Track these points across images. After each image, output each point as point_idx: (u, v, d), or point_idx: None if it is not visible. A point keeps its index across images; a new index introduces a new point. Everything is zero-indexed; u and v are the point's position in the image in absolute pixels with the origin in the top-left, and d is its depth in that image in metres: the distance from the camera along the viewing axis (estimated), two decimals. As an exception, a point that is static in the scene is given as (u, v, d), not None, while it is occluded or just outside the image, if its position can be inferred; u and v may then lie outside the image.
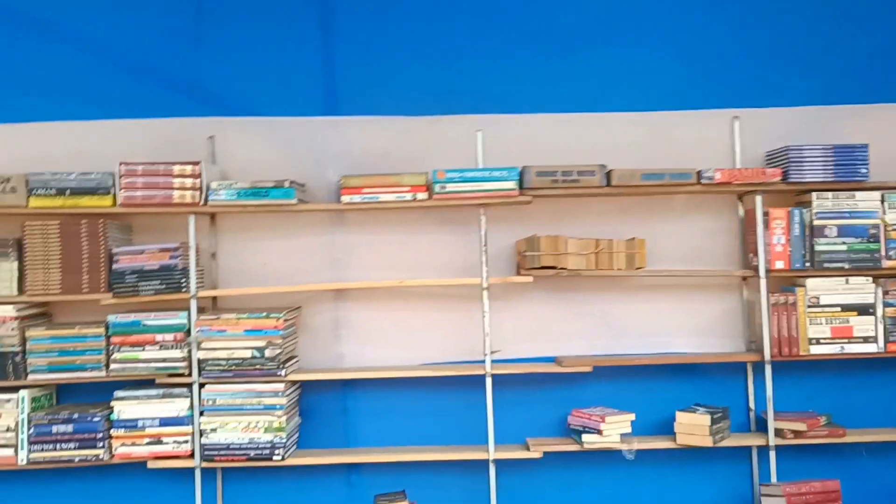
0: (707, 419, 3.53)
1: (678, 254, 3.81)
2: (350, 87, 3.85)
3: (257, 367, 3.54)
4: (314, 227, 3.83)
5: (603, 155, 3.72)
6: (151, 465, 3.56)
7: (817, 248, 3.63)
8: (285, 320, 3.56)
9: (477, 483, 3.71)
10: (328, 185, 3.80)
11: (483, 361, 3.72)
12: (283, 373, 3.53)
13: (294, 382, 3.68)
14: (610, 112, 3.83)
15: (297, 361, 3.74)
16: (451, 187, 3.58)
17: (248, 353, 3.54)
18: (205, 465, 3.56)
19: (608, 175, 3.60)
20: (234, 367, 3.54)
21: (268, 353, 3.54)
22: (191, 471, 3.60)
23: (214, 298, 3.75)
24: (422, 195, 3.58)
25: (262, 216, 3.77)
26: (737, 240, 3.84)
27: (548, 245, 3.61)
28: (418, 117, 3.82)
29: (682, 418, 3.60)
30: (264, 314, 3.55)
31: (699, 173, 3.60)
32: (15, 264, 3.59)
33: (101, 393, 3.69)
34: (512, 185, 3.58)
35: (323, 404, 3.77)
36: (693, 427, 3.56)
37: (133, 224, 3.81)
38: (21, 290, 3.60)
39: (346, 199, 3.56)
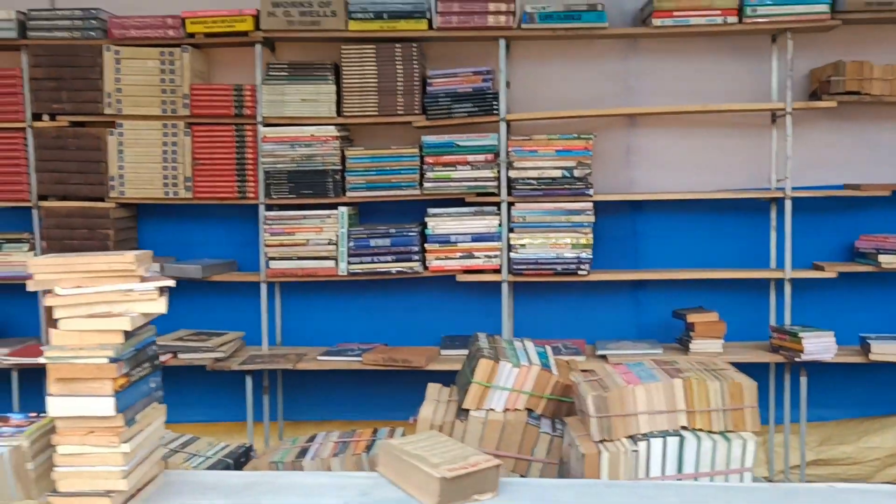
0: None
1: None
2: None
3: (566, 186, 3.71)
4: (607, 55, 3.93)
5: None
6: (461, 278, 3.81)
7: None
8: (592, 143, 3.70)
9: (759, 302, 3.91)
10: (622, 12, 3.86)
11: (769, 188, 3.86)
12: (590, 192, 3.71)
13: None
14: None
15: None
16: (761, 11, 3.61)
17: (557, 173, 3.71)
18: (512, 278, 3.80)
19: (923, -2, 3.59)
20: (543, 186, 3.72)
21: (577, 172, 3.70)
22: (496, 284, 3.86)
23: (508, 124, 3.88)
24: (732, 19, 3.63)
25: (556, 43, 3.88)
26: None
27: (852, 70, 3.64)
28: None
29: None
30: (575, 135, 3.69)
31: None
32: (333, 87, 3.78)
33: (400, 213, 3.95)
34: (823, 8, 3.59)
35: (613, 227, 3.93)
36: None
37: (429, 53, 3.94)
38: (339, 112, 3.80)
39: (657, 21, 3.62)
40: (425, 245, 3.79)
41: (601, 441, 2.37)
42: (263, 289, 3.92)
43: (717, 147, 3.94)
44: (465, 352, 3.76)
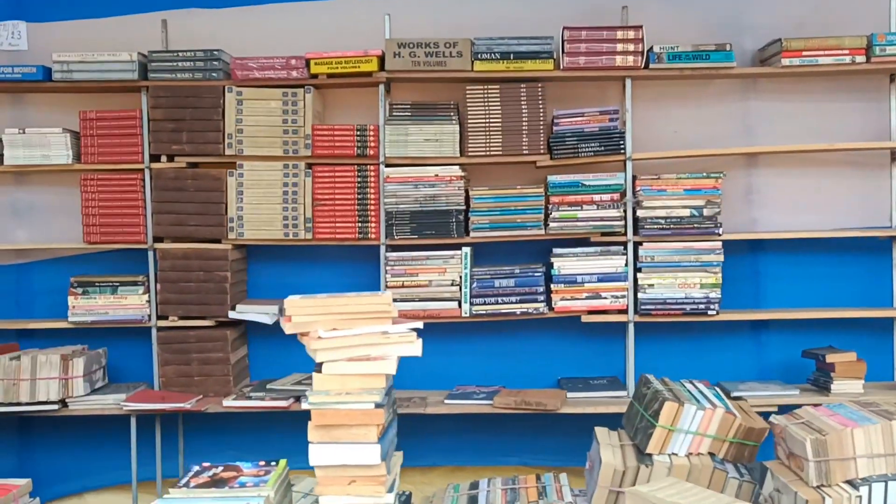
0: None
1: None
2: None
3: (694, 225, 3.69)
4: (726, 94, 3.93)
5: None
6: (586, 318, 3.76)
7: None
8: (721, 181, 3.69)
9: (881, 342, 3.88)
10: (741, 51, 3.87)
11: (889, 226, 3.85)
12: (719, 231, 3.68)
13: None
14: None
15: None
16: (890, 50, 3.62)
17: (686, 212, 3.69)
18: (639, 319, 3.75)
19: None
20: (672, 226, 3.69)
21: (706, 211, 3.68)
22: (614, 325, 3.82)
23: (624, 165, 3.86)
24: (860, 58, 3.64)
25: (675, 83, 3.88)
26: None
27: (979, 109, 3.66)
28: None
29: None
30: (703, 174, 3.68)
31: None
32: (456, 127, 3.76)
33: (515, 253, 3.90)
34: (952, 46, 3.62)
35: (733, 267, 3.87)
36: None
37: (547, 94, 3.91)
38: (462, 152, 3.78)
39: (786, 61, 3.63)
40: (550, 286, 3.75)
41: (818, 486, 2.31)
42: (383, 331, 3.85)
43: (835, 186, 3.92)
44: (589, 394, 3.75)
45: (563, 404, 3.60)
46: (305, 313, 1.81)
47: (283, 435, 4.02)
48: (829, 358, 3.58)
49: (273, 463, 1.99)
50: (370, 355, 1.81)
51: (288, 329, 1.83)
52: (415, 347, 1.85)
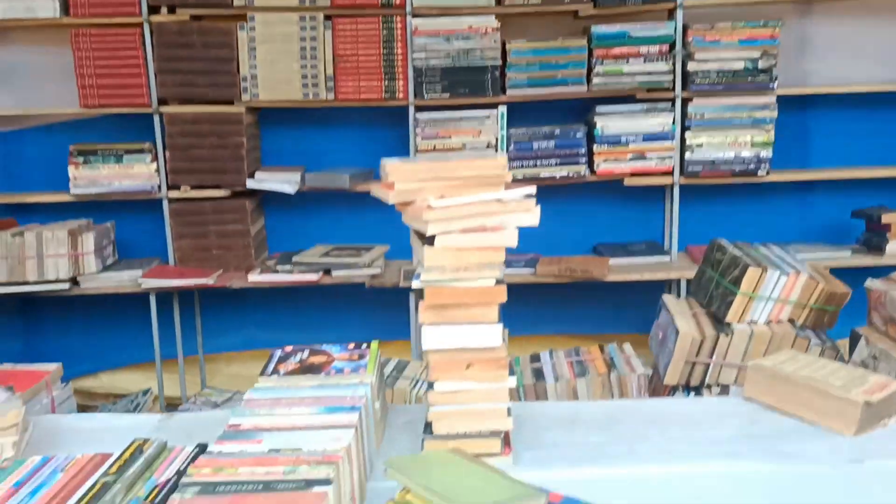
0: None
1: None
2: None
3: (748, 78, 3.44)
4: (781, -67, 3.60)
5: None
6: (629, 182, 3.55)
7: None
8: (779, 30, 3.41)
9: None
10: None
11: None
12: (774, 85, 3.44)
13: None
14: None
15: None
16: None
17: (740, 65, 3.42)
18: (684, 181, 3.55)
19: None
20: (724, 80, 3.44)
21: (762, 64, 3.42)
22: (652, 188, 3.63)
23: (672, 13, 3.55)
24: None
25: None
26: None
27: None
28: None
29: None
30: (762, 23, 3.39)
31: None
32: (491, -28, 3.40)
33: (548, 112, 3.63)
34: None
35: (782, 125, 3.64)
36: None
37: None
38: (498, 1, 3.43)
39: None
40: (593, 147, 3.51)
41: (922, 353, 2.19)
42: (413, 198, 3.61)
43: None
44: (631, 260, 3.59)
45: (609, 271, 3.45)
46: (412, 179, 1.56)
47: (304, 310, 3.86)
48: (886, 218, 3.43)
49: (364, 345, 1.79)
50: (485, 226, 1.58)
51: (391, 198, 1.58)
52: (533, 216, 1.63)
